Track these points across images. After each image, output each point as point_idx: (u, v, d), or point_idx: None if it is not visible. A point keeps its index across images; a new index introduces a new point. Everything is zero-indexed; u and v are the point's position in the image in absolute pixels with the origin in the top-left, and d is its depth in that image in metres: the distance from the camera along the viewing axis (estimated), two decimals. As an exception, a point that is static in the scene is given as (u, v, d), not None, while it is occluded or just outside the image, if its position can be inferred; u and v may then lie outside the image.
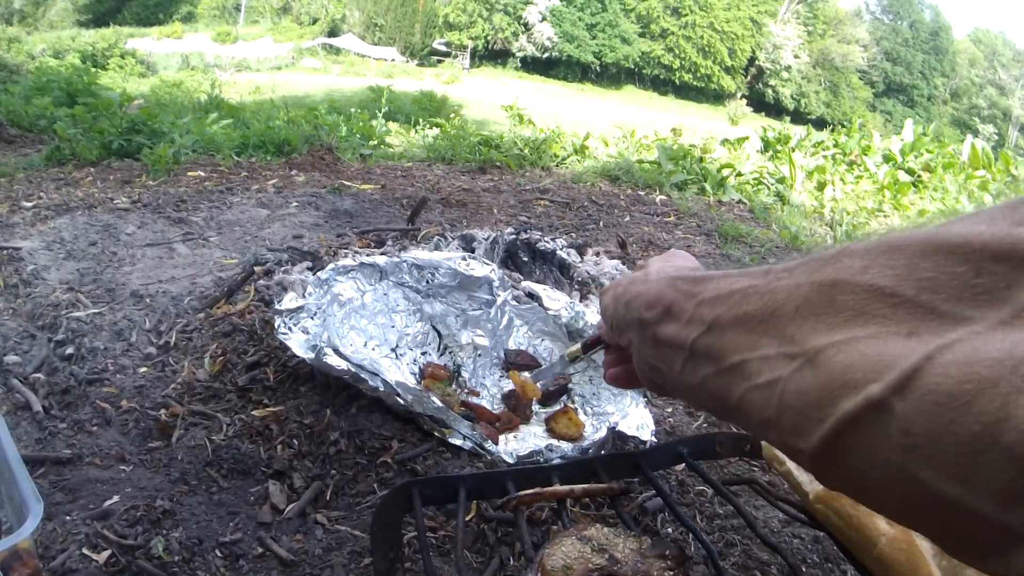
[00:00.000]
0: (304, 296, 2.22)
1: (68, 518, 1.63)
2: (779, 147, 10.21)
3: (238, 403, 2.13)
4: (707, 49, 65.02)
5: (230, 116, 8.52)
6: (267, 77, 28.84)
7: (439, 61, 58.39)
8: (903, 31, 74.61)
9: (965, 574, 1.10)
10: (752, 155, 9.74)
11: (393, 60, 52.10)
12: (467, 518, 1.72)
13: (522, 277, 2.74)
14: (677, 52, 64.95)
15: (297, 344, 2.03)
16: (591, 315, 2.49)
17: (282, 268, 2.89)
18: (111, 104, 6.71)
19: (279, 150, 6.68)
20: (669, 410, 2.37)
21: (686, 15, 65.04)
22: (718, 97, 66.08)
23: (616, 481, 1.40)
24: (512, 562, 1.63)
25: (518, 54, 62.43)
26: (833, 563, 1.77)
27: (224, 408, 2.11)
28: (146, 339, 2.55)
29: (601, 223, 4.91)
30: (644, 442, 2.03)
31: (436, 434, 1.97)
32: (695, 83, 65.66)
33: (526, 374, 1.64)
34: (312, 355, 1.99)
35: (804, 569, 1.72)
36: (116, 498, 1.71)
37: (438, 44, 60.54)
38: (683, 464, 1.58)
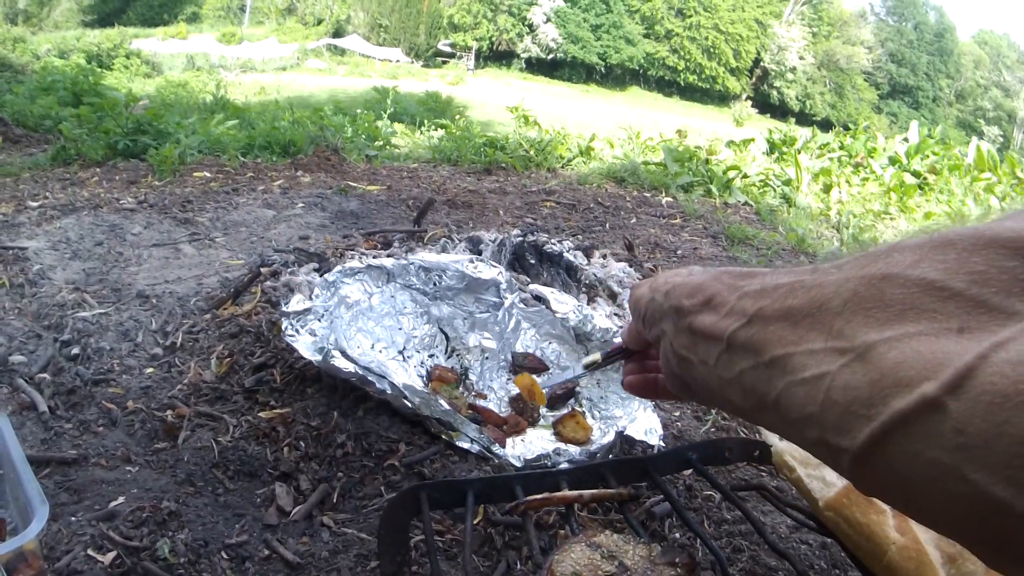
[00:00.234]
0: (311, 298, 2.21)
1: (73, 519, 1.62)
2: (785, 149, 10.19)
3: (245, 405, 2.12)
4: (712, 50, 65.00)
5: (235, 117, 8.53)
6: (272, 78, 28.92)
7: (444, 62, 58.40)
8: (908, 32, 74.55)
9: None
10: (758, 157, 9.73)
11: (398, 61, 52.12)
12: (475, 522, 1.72)
13: (529, 279, 2.73)
14: (682, 53, 64.94)
15: (304, 346, 2.03)
16: (599, 318, 2.48)
17: (288, 269, 2.88)
18: (116, 104, 6.70)
19: (285, 151, 6.68)
20: (677, 414, 2.36)
21: (690, 16, 65.01)
22: (723, 98, 66.05)
23: (625, 486, 1.40)
24: (519, 566, 1.62)
25: (523, 55, 62.44)
26: (840, 569, 1.76)
27: (231, 410, 2.10)
28: (152, 340, 2.55)
29: (607, 225, 4.90)
30: (652, 447, 2.03)
31: (443, 437, 1.96)
32: (700, 84, 65.64)
33: (537, 378, 1.61)
34: (319, 357, 1.98)
35: (812, 574, 1.71)
36: (122, 499, 1.70)
37: (443, 45, 60.55)
38: (691, 469, 1.57)
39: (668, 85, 66.53)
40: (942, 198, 8.35)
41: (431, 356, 2.40)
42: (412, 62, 54.50)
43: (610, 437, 2.06)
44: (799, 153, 9.60)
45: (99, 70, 11.28)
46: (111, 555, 1.51)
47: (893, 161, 9.84)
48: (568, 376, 1.51)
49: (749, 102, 63.71)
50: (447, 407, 1.97)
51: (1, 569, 1.24)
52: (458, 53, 60.65)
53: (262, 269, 2.89)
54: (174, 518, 1.64)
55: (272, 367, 2.25)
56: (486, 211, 4.89)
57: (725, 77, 65.62)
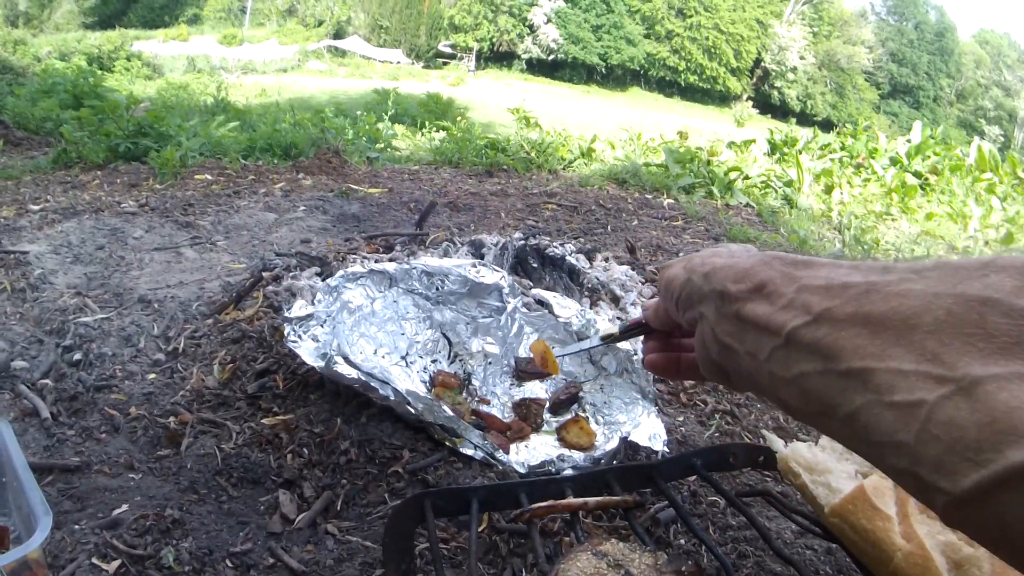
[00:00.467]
0: (313, 303, 2.21)
1: (77, 527, 1.62)
2: (786, 150, 10.19)
3: (247, 411, 2.12)
4: (712, 51, 65.00)
5: (236, 119, 8.53)
6: (273, 79, 28.91)
7: (444, 63, 58.38)
8: (908, 32, 74.56)
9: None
10: (759, 158, 9.73)
11: (398, 62, 52.10)
12: (479, 529, 1.71)
13: (532, 284, 2.73)
14: (683, 54, 64.95)
15: (307, 352, 2.02)
16: (602, 322, 2.48)
17: (291, 274, 2.88)
18: (117, 106, 6.71)
19: (286, 153, 6.69)
20: (680, 419, 2.35)
21: (691, 16, 65.01)
22: (724, 99, 66.05)
23: (630, 493, 1.39)
24: (524, 574, 1.62)
25: (523, 56, 62.45)
26: (846, 575, 1.76)
27: (233, 416, 2.10)
28: (154, 345, 2.55)
29: (609, 227, 4.90)
30: (656, 452, 2.02)
31: (447, 443, 1.96)
32: (701, 85, 65.64)
33: (553, 348, 1.55)
34: (322, 363, 1.98)
35: (818, 581, 1.71)
36: (125, 507, 1.70)
37: (443, 46, 60.55)
38: (696, 475, 1.57)
39: (669, 86, 66.54)
40: (943, 198, 8.36)
41: (434, 361, 2.39)
42: (413, 63, 54.50)
43: (614, 443, 2.06)
44: (800, 154, 9.60)
45: (100, 72, 11.31)
46: (115, 564, 1.50)
47: (894, 162, 9.84)
48: (584, 346, 1.45)
49: (750, 102, 63.70)
50: (450, 413, 1.97)
51: (5, 579, 1.24)
52: (459, 54, 60.64)
53: (264, 273, 2.88)
54: (178, 526, 1.63)
55: (275, 373, 2.24)
56: (488, 213, 4.89)
57: (726, 77, 65.62)
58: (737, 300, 0.73)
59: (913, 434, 0.51)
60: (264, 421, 2.04)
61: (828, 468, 1.34)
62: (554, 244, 3.30)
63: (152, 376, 2.34)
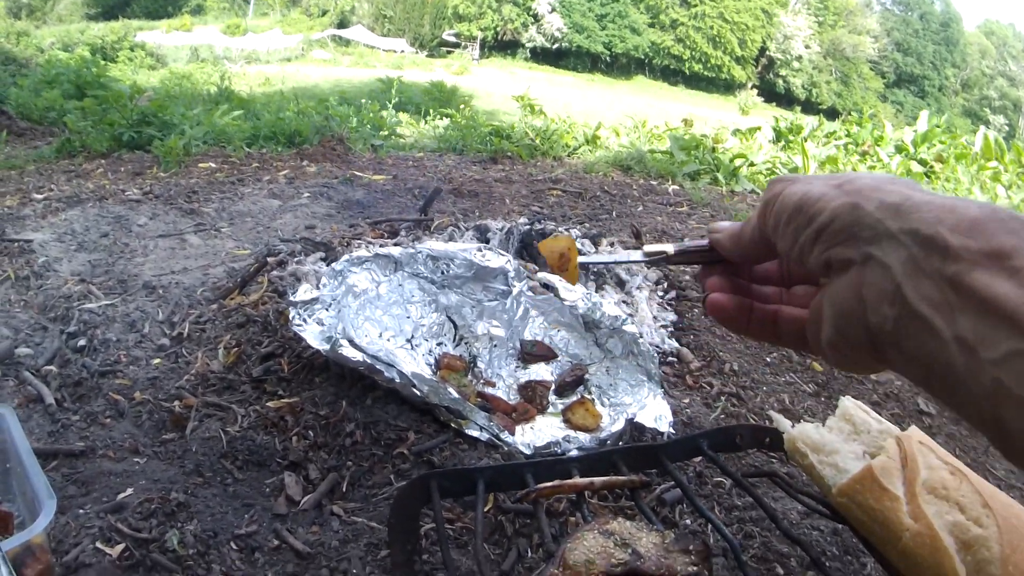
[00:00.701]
0: (318, 287, 2.20)
1: (81, 511, 1.61)
2: (791, 137, 10.18)
3: (252, 394, 2.12)
4: (717, 39, 64.82)
5: (240, 108, 8.52)
6: (277, 69, 28.89)
7: (448, 52, 58.23)
8: (913, 22, 74.32)
9: (989, 570, 1.08)
10: (764, 145, 9.71)
11: (402, 51, 51.98)
12: (485, 510, 1.71)
13: (537, 267, 2.72)
14: (687, 42, 64.78)
15: (312, 335, 2.02)
16: (607, 305, 2.46)
17: (295, 259, 2.87)
18: (121, 96, 6.70)
19: (290, 141, 6.68)
20: (686, 401, 2.35)
21: (696, 5, 64.83)
22: (729, 87, 65.89)
23: (636, 473, 1.39)
24: (530, 554, 1.61)
25: (528, 45, 62.32)
26: (853, 555, 1.75)
27: (238, 399, 2.10)
28: (159, 330, 2.54)
29: (614, 213, 4.88)
30: (662, 434, 2.02)
31: (453, 425, 1.95)
32: (706, 73, 65.48)
33: (582, 257, 1.32)
34: (327, 346, 1.98)
35: (825, 561, 1.70)
36: (130, 491, 1.69)
37: (447, 35, 60.43)
38: (702, 456, 1.56)
39: (674, 74, 66.38)
40: (948, 187, 8.33)
41: (439, 344, 2.38)
42: (417, 52, 54.37)
43: (620, 424, 2.05)
44: (806, 141, 9.58)
45: (103, 63, 11.27)
46: (120, 547, 1.50)
47: (900, 149, 9.82)
48: (619, 258, 1.11)
49: (755, 91, 63.49)
50: (456, 395, 1.96)
51: (8, 563, 1.23)
52: (463, 43, 60.50)
53: (268, 259, 2.88)
54: (183, 509, 1.63)
55: (280, 357, 2.24)
56: (492, 200, 4.88)
57: (731, 66, 65.45)
58: (960, 259, 0.53)
59: None
60: (269, 404, 2.04)
61: (835, 448, 1.33)
62: (559, 229, 3.29)
63: (157, 361, 2.34)
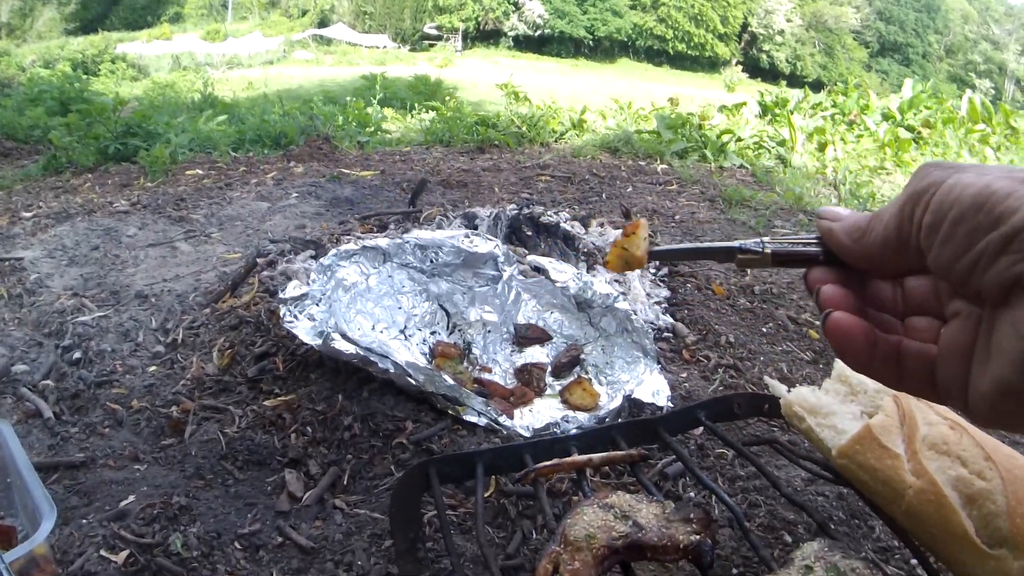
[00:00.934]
0: (308, 283, 2.20)
1: (84, 521, 1.62)
2: (777, 111, 10.15)
3: (249, 395, 2.12)
4: (699, 18, 64.57)
5: (224, 113, 8.50)
6: (259, 72, 28.73)
7: (431, 45, 58.02)
8: (894, -10, 74.20)
9: (995, 523, 1.08)
10: (751, 120, 9.69)
11: (385, 47, 51.79)
12: (486, 493, 1.71)
13: (527, 251, 2.71)
14: (669, 22, 64.54)
15: (304, 331, 2.01)
16: (599, 284, 2.47)
17: (285, 258, 2.87)
18: (105, 109, 6.68)
19: (276, 143, 6.67)
20: (684, 375, 2.35)
21: (676, -16, 64.68)
22: (713, 65, 65.68)
23: (635, 448, 1.39)
24: (535, 535, 1.61)
25: (510, 33, 62.07)
26: (860, 519, 1.75)
27: (235, 400, 2.10)
28: (153, 338, 2.54)
29: (604, 195, 4.87)
30: (660, 408, 2.02)
31: (450, 412, 1.95)
32: (689, 52, 65.27)
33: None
34: (320, 341, 1.97)
35: (831, 526, 1.70)
36: (132, 498, 1.70)
37: (429, 28, 60.19)
38: (702, 428, 1.56)
39: (657, 55, 66.16)
40: (937, 151, 8.32)
41: (433, 333, 2.38)
42: (399, 47, 54.18)
43: (618, 401, 2.05)
44: (792, 114, 9.56)
45: (85, 77, 11.25)
46: (124, 554, 1.50)
47: (887, 117, 9.80)
48: (702, 246, 0.87)
49: (739, 67, 63.32)
50: (452, 382, 1.96)
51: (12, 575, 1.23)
52: (445, 35, 60.27)
53: (258, 260, 2.87)
54: (185, 512, 1.63)
55: (274, 355, 2.24)
56: (481, 189, 4.87)
57: (714, 43, 65.23)
58: None
59: None
60: (266, 403, 2.04)
61: (833, 410, 1.33)
62: (548, 212, 3.29)
63: (152, 368, 2.34)
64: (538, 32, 61.91)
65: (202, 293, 2.85)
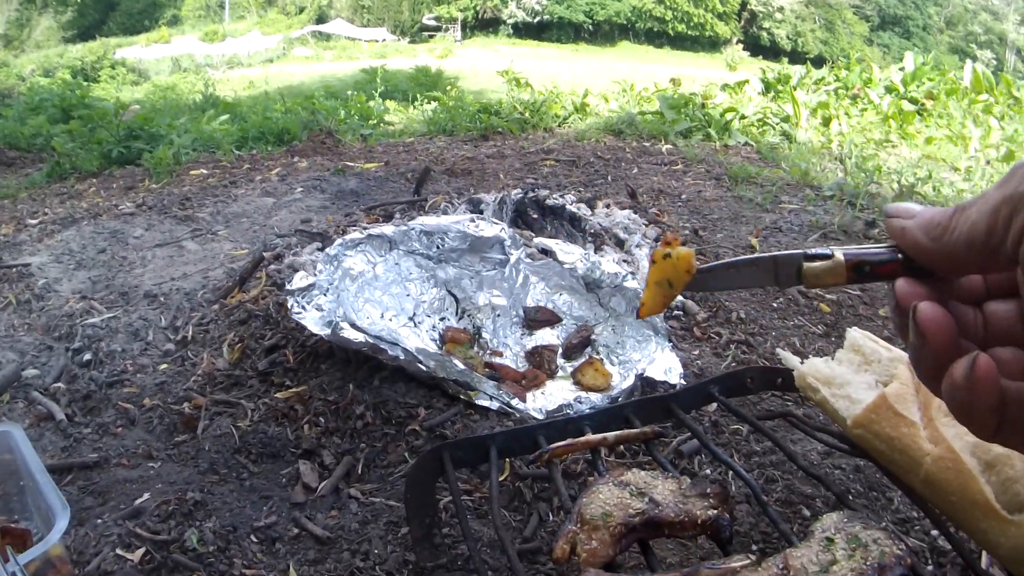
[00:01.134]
0: (315, 274, 2.19)
1: (99, 521, 1.62)
2: (780, 87, 10.10)
3: (260, 388, 2.12)
4: (698, -3, 64.38)
5: (226, 112, 8.49)
6: (259, 71, 28.71)
7: (431, 36, 57.92)
8: (892, -38, 73.77)
9: (1015, 488, 1.06)
10: (754, 97, 9.64)
11: (384, 40, 51.72)
12: (501, 477, 1.70)
13: (533, 234, 2.70)
14: (668, 3, 64.25)
15: (312, 322, 2.01)
16: (606, 263, 2.45)
17: (292, 251, 2.86)
18: (106, 114, 6.69)
19: (279, 139, 6.67)
20: (696, 352, 2.33)
21: (673, -36, 64.37)
22: (714, 45, 65.41)
23: (648, 426, 1.37)
24: (551, 517, 1.61)
25: (509, 21, 61.88)
26: (878, 491, 1.74)
27: (247, 394, 2.09)
28: (163, 336, 2.54)
29: (609, 177, 4.86)
30: (673, 386, 2.01)
31: (462, 397, 1.95)
32: (689, 33, 65.01)
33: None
34: (328, 331, 1.97)
35: (850, 498, 1.69)
36: (146, 495, 1.69)
37: (428, 19, 60.06)
38: (715, 404, 1.55)
39: (658, 36, 65.90)
40: (941, 122, 8.27)
41: (442, 319, 2.38)
42: (399, 39, 54.06)
43: (630, 381, 2.04)
44: (795, 90, 9.51)
45: (86, 84, 11.24)
46: (140, 552, 1.50)
47: (890, 90, 9.74)
48: (743, 281, 0.69)
49: (740, 46, 63.02)
50: (463, 367, 1.96)
51: None
52: (444, 26, 60.14)
53: (265, 254, 2.87)
54: (200, 508, 1.63)
55: (284, 348, 2.24)
56: (486, 176, 4.85)
57: (714, 23, 64.95)
58: None
59: None
60: (278, 395, 2.04)
61: (847, 380, 1.31)
62: (554, 195, 3.28)
63: (163, 366, 2.34)
64: (537, 19, 61.69)
65: (210, 290, 2.85)
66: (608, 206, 3.31)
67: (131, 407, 2.10)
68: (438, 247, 2.42)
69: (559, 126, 7.61)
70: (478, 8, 60.66)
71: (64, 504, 1.32)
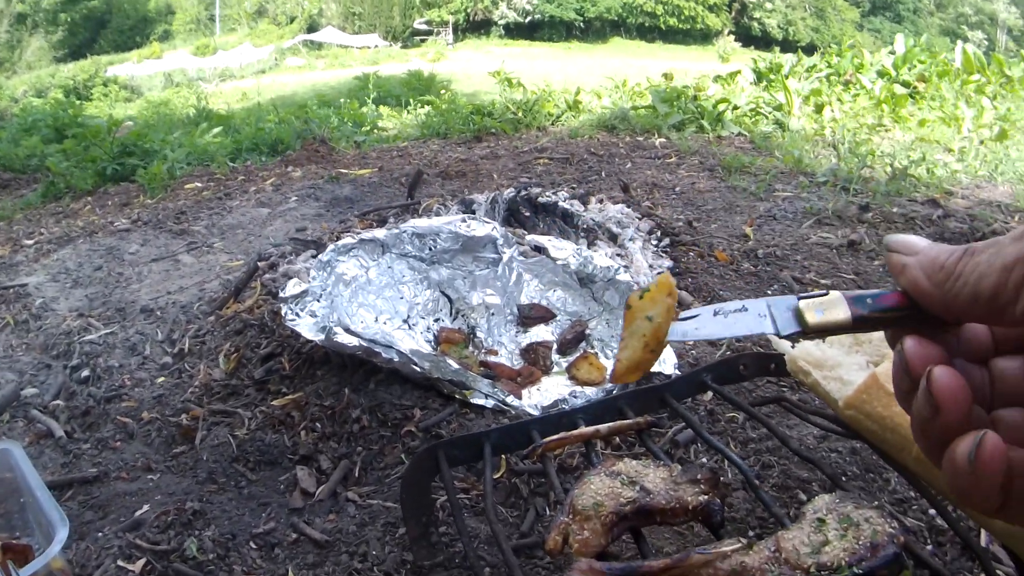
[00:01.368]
0: (308, 281, 2.20)
1: (100, 534, 1.62)
2: (772, 76, 10.10)
3: (257, 396, 2.12)
4: (687, -10, 64.35)
5: (220, 125, 8.50)
6: (252, 82, 28.70)
7: (422, 40, 57.91)
8: (881, -55, 73.68)
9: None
10: (746, 88, 9.66)
11: (376, 46, 51.73)
12: (497, 474, 1.71)
13: (526, 232, 2.71)
14: (657, -3, 64.35)
15: (306, 328, 2.02)
16: (599, 258, 2.46)
17: (286, 260, 2.87)
18: (100, 131, 6.68)
19: (273, 150, 6.67)
20: (690, 343, 2.34)
21: (661, -42, 64.34)
22: (705, 37, 65.35)
23: (642, 416, 1.38)
24: (548, 512, 1.61)
25: (500, 22, 61.90)
26: (875, 472, 1.75)
27: (244, 403, 2.10)
28: (160, 350, 2.55)
29: (603, 173, 4.86)
30: (668, 377, 2.01)
31: (457, 397, 1.96)
32: (681, 26, 64.97)
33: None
34: (322, 336, 1.98)
35: (845, 480, 1.69)
36: (146, 507, 1.70)
37: (419, 24, 60.08)
38: (710, 393, 1.55)
39: (649, 31, 65.89)
40: (934, 104, 8.27)
41: (436, 320, 2.38)
42: (391, 45, 54.09)
43: (625, 373, 2.04)
44: (787, 78, 9.51)
45: (78, 102, 11.26)
46: (140, 562, 1.51)
47: (882, 74, 9.74)
48: (735, 332, 0.61)
49: (732, 37, 63.00)
50: (457, 367, 1.96)
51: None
52: (435, 29, 60.16)
53: (259, 263, 2.87)
54: (199, 517, 1.64)
55: (280, 355, 2.24)
56: (480, 177, 4.86)
57: (704, 15, 64.90)
58: None
59: None
60: (274, 403, 2.04)
61: (838, 362, 1.31)
62: (546, 192, 3.28)
63: (161, 379, 2.34)
64: (528, 18, 61.66)
65: (206, 302, 2.86)
66: (601, 201, 3.31)
67: (129, 421, 2.11)
68: (430, 249, 2.43)
69: (552, 124, 7.62)
70: (469, 10, 60.67)
71: (64, 518, 1.33)
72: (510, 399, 1.95)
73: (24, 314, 2.97)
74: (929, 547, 1.51)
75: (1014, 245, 0.45)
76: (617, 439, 1.79)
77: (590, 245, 2.86)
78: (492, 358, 2.24)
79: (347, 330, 1.98)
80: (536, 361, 2.20)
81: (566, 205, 3.16)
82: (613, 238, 2.93)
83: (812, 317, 0.57)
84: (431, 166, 5.33)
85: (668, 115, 7.21)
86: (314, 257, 2.80)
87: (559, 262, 2.46)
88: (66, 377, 2.41)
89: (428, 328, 2.35)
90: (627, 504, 1.06)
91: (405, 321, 2.32)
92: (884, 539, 0.96)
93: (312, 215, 4.15)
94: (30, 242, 4.23)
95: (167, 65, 40.13)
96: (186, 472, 1.86)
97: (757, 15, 67.16)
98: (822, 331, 0.57)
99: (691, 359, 2.22)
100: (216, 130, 7.89)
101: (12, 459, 1.54)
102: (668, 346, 2.11)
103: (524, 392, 2.05)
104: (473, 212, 3.05)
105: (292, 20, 58.80)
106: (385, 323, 2.27)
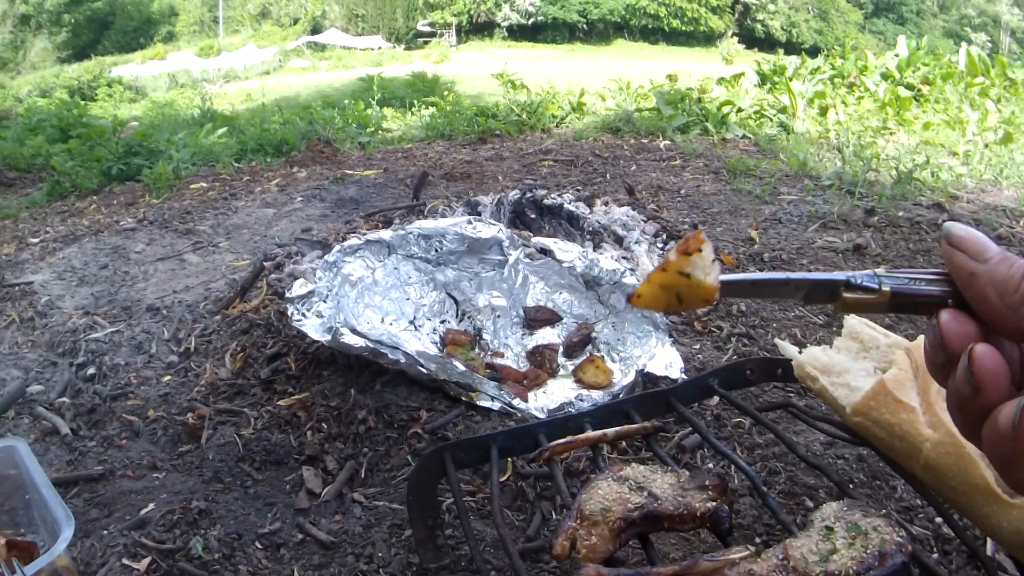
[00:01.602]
0: (314, 281, 2.20)
1: (105, 532, 1.62)
2: (776, 79, 10.09)
3: (263, 396, 2.12)
4: (690, -8, 64.31)
5: (225, 125, 8.51)
6: (256, 83, 28.72)
7: (426, 42, 57.94)
8: (886, -52, 73.59)
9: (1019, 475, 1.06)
10: (750, 90, 9.64)
11: (380, 48, 51.74)
12: (503, 477, 1.71)
13: (531, 234, 2.71)
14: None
15: (313, 328, 2.02)
16: (604, 260, 2.46)
17: (292, 260, 2.87)
18: (105, 131, 6.70)
19: (278, 150, 6.68)
20: (697, 347, 2.34)
21: (666, -40, 64.30)
22: (709, 39, 65.32)
23: (649, 420, 1.38)
24: (554, 516, 1.61)
25: (503, 24, 61.89)
26: (882, 480, 1.74)
27: (250, 403, 2.10)
28: (166, 348, 2.55)
29: (608, 175, 4.87)
30: (674, 381, 2.00)
31: (464, 399, 1.96)
32: (684, 28, 64.94)
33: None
34: (329, 337, 1.98)
35: (852, 487, 1.69)
36: (152, 506, 1.70)
37: (422, 26, 60.08)
38: (716, 398, 1.55)
39: (652, 33, 65.84)
40: (938, 107, 8.26)
41: (443, 322, 2.38)
42: (394, 47, 54.07)
43: (631, 377, 2.05)
44: (791, 80, 9.50)
45: (83, 103, 11.27)
46: (146, 561, 1.51)
47: (886, 77, 9.72)
48: (796, 276, 0.62)
49: (735, 39, 63.03)
50: (463, 369, 1.96)
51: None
52: (439, 31, 60.16)
53: (265, 263, 2.88)
54: (205, 516, 1.64)
55: (286, 355, 2.24)
56: (485, 179, 4.87)
57: (707, 17, 64.87)
58: None
59: None
60: (280, 403, 2.04)
61: (845, 368, 1.31)
62: (552, 194, 3.28)
63: (167, 378, 2.35)
64: (531, 20, 61.63)
65: (212, 301, 2.86)
66: (606, 204, 3.31)
67: (135, 419, 2.11)
68: (436, 250, 2.43)
69: (556, 126, 7.63)
70: (472, 12, 60.66)
71: (69, 515, 1.33)
72: (516, 401, 1.95)
73: (30, 311, 2.97)
74: (935, 555, 1.51)
75: None
76: (624, 443, 1.79)
77: (596, 247, 2.86)
78: (498, 360, 2.24)
79: (353, 331, 1.98)
80: (542, 364, 2.20)
81: (572, 207, 3.16)
82: (619, 240, 2.93)
83: (849, 301, 0.57)
84: (436, 167, 5.34)
85: (672, 117, 7.21)
86: (319, 257, 2.81)
87: (565, 264, 2.46)
88: (72, 375, 2.42)
89: (434, 329, 2.35)
90: (635, 510, 1.06)
91: (411, 322, 2.32)
92: (892, 548, 0.95)
93: (317, 216, 4.15)
94: (36, 240, 4.24)
95: (171, 66, 40.12)
96: (192, 471, 1.86)
97: (760, 17, 67.11)
98: (853, 311, 0.58)
99: (697, 363, 2.22)
100: (221, 131, 7.90)
101: (18, 456, 1.54)
102: (673, 349, 2.12)
103: (530, 395, 2.05)
104: (479, 214, 3.05)
105: (295, 22, 58.84)
106: (391, 324, 2.27)
